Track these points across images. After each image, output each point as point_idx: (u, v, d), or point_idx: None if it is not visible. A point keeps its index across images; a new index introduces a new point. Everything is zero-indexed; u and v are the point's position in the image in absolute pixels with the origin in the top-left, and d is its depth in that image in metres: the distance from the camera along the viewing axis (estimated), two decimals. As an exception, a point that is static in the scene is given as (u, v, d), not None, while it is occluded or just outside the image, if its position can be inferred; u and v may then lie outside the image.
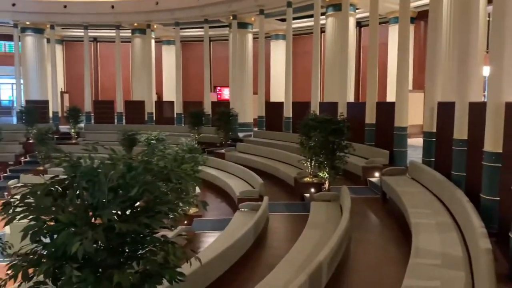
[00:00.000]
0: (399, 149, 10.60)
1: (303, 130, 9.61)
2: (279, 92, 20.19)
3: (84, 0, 20.43)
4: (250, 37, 19.31)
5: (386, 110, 11.36)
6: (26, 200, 3.03)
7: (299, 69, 19.99)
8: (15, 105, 23.44)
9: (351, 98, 15.81)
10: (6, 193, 14.39)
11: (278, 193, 10.30)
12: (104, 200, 3.01)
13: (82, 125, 19.55)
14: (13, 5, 19.96)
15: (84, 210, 3.00)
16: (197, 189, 8.13)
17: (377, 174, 9.78)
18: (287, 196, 10.17)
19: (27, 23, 20.96)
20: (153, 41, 22.02)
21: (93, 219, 3.01)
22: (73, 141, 18.27)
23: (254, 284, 4.71)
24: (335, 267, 5.19)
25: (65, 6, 20.37)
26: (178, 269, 3.05)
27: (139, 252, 3.08)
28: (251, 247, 6.46)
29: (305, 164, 9.80)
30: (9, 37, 21.93)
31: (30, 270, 2.92)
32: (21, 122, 18.37)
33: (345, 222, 5.94)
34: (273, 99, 20.52)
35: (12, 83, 24.42)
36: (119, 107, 21.09)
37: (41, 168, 15.60)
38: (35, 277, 2.95)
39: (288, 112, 16.01)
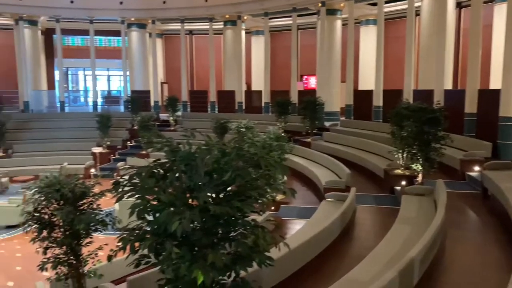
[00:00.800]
0: (504, 141, 9.59)
1: (395, 119, 9.16)
2: (368, 80, 19.44)
3: (180, -5, 21.72)
4: (338, 23, 18.81)
5: (490, 98, 10.34)
6: (133, 181, 3.39)
7: (390, 56, 18.98)
8: (122, 94, 25.90)
9: (448, 85, 14.60)
10: (115, 174, 16.10)
11: (365, 185, 10.03)
12: (200, 183, 3.22)
13: (179, 113, 20.96)
14: (121, 3, 21.93)
15: (182, 191, 3.24)
16: (284, 177, 8.27)
17: (477, 168, 8.98)
18: (375, 188, 9.85)
19: (132, 19, 22.90)
20: (243, 32, 22.61)
21: (190, 200, 3.26)
22: (172, 128, 19.69)
23: (341, 274, 4.70)
24: (427, 265, 4.94)
25: (164, 2, 21.83)
26: (267, 254, 3.18)
27: (231, 234, 3.27)
28: (337, 237, 6.43)
29: (396, 156, 9.37)
30: (117, 33, 24.24)
31: (136, 244, 3.26)
32: (127, 110, 20.26)
33: (440, 218, 5.59)
34: (361, 87, 19.81)
35: (120, 75, 27.07)
36: (212, 96, 22.14)
37: (144, 152, 17.15)
38: (140, 251, 3.29)
39: (378, 100, 15.37)
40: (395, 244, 5.50)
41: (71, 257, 5.81)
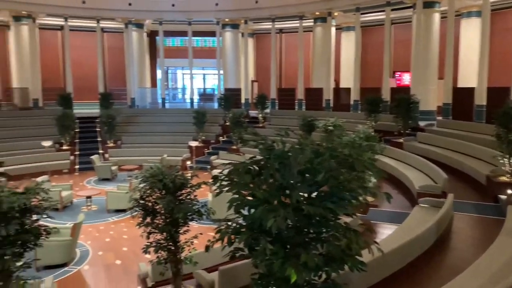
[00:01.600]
0: None
1: (501, 120, 8.38)
2: (469, 76, 17.86)
3: (271, -6, 22.11)
4: (436, 16, 17.52)
5: None
6: (231, 176, 3.59)
7: (496, 50, 17.18)
8: (216, 92, 27.24)
9: None
10: (209, 167, 17.10)
11: (464, 191, 9.31)
12: (293, 182, 3.29)
13: (268, 110, 21.44)
14: (216, 4, 23.03)
15: (276, 189, 3.34)
16: (373, 179, 8.05)
17: None
18: (475, 195, 9.10)
19: (226, 20, 23.92)
20: (333, 28, 22.28)
21: (283, 198, 3.37)
22: (260, 125, 20.25)
23: (435, 285, 4.49)
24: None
25: (256, 1, 22.42)
26: (360, 258, 3.17)
27: (323, 235, 3.33)
28: (432, 246, 6.11)
29: (501, 161, 8.56)
30: (212, 34, 25.54)
31: (232, 237, 3.48)
32: (220, 107, 21.30)
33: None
34: (461, 84, 18.26)
35: (214, 74, 28.48)
36: (300, 94, 22.22)
37: (234, 147, 17.91)
38: (235, 243, 3.50)
39: (480, 99, 14.07)
40: (499, 258, 5.07)
41: (170, 243, 6.36)
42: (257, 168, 3.46)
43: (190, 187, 6.56)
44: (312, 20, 22.54)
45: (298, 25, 22.45)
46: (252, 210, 3.35)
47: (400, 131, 14.97)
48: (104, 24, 23.82)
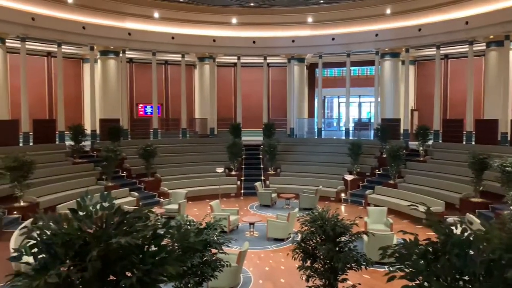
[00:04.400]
0: None
1: None
2: None
3: (436, 21, 20.87)
4: None
5: None
6: (401, 254, 3.37)
7: None
8: (372, 121, 26.90)
9: None
10: (363, 201, 17.01)
11: None
12: (475, 272, 2.95)
13: (430, 142, 20.14)
14: (376, 35, 22.97)
15: (454, 278, 3.05)
16: None
17: None
18: None
19: (386, 49, 23.59)
20: (511, 52, 19.75)
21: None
22: (421, 159, 19.11)
23: None
24: None
25: (419, 30, 21.53)
26: None
27: None
28: None
29: None
30: (369, 63, 25.48)
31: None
32: (376, 138, 20.94)
33: None
34: None
35: (370, 102, 28.20)
36: (469, 125, 20.22)
37: (391, 181, 17.41)
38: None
39: None
40: None
41: (329, 291, 6.73)
42: (431, 249, 3.26)
43: (349, 236, 6.88)
44: (485, 44, 20.43)
45: (467, 49, 20.63)
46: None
47: None
48: (270, 60, 26.19)
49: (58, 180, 16.02)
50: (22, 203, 13.58)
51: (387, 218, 13.05)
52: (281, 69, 27.79)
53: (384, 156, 19.15)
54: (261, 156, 22.21)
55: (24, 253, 3.88)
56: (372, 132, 23.00)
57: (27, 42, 19.54)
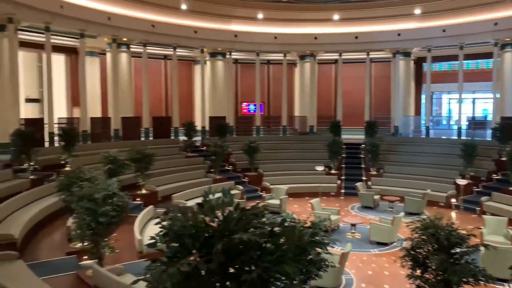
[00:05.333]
0: None
1: None
2: None
3: None
4: None
5: None
6: None
7: None
8: (488, 119, 24.35)
9: None
10: (478, 208, 15.60)
11: None
12: None
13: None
14: (495, 24, 20.69)
15: None
16: None
17: None
18: None
19: (507, 39, 21.10)
20: None
21: None
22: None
23: None
24: None
25: (553, 16, 18.83)
26: None
27: None
28: None
29: None
30: (486, 55, 23.06)
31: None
32: (494, 138, 18.95)
33: None
34: None
35: (487, 98, 25.51)
36: None
37: (511, 188, 15.66)
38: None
39: None
40: None
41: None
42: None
43: (466, 247, 6.41)
44: None
45: None
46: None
47: None
48: (372, 55, 25.29)
49: (172, 172, 17.67)
50: (143, 191, 15.29)
51: (507, 230, 11.80)
52: (385, 64, 26.58)
53: (503, 159, 17.23)
54: (362, 156, 21.64)
55: (158, 241, 4.45)
56: (489, 131, 20.81)
57: (147, 47, 21.77)
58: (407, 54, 24.75)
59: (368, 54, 24.56)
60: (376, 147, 19.90)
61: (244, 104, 28.07)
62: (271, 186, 17.98)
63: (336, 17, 24.22)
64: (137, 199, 14.86)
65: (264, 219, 4.39)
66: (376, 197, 16.99)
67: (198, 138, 22.08)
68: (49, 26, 17.17)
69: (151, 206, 13.16)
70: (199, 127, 22.38)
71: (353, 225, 13.59)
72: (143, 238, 10.18)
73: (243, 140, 20.54)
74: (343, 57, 25.13)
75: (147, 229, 11.67)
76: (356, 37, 24.00)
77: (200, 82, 24.39)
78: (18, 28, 16.69)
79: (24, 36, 18.36)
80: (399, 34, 23.30)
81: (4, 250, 8.03)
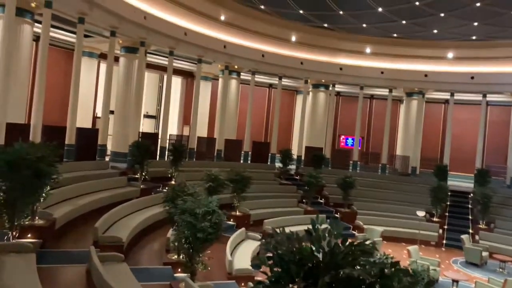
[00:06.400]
0: None
1: None
2: None
3: None
4: None
5: None
6: None
7: None
8: None
9: None
10: None
11: None
12: None
13: None
14: None
15: None
16: None
17: None
18: None
19: None
20: None
21: None
22: None
23: None
24: None
25: None
26: None
27: None
28: None
29: None
30: None
31: None
32: None
33: None
34: None
35: None
36: None
37: None
38: None
39: None
40: None
41: None
42: None
43: None
44: None
45: None
46: None
47: None
48: (489, 97, 23.26)
49: (266, 197, 17.91)
50: (238, 213, 15.72)
51: None
52: (504, 108, 24.22)
53: None
54: (470, 206, 19.66)
55: (262, 263, 4.51)
56: None
57: (255, 75, 22.88)
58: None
59: (484, 96, 22.65)
60: (488, 198, 17.94)
61: (342, 137, 27.66)
62: (365, 226, 17.19)
63: (450, 55, 22.92)
64: (230, 220, 15.29)
65: (372, 259, 4.21)
66: (485, 253, 15.20)
67: (293, 167, 22.21)
68: (173, 50, 19.05)
69: (243, 229, 13.42)
70: (295, 156, 22.54)
71: (456, 281, 12.29)
72: (233, 259, 10.33)
73: (338, 173, 20.14)
74: (455, 97, 23.51)
75: (238, 251, 11.88)
76: (472, 77, 22.35)
77: (300, 111, 24.72)
78: (147, 51, 18.82)
79: (150, 58, 20.62)
80: (523, 77, 21.17)
81: (113, 251, 8.65)
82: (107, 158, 17.38)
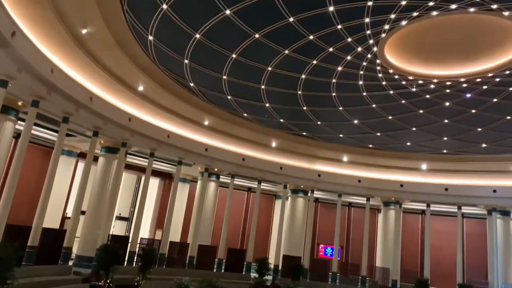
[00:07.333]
0: None
1: None
2: None
3: None
4: None
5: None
6: None
7: None
8: None
9: None
10: None
11: None
12: None
13: None
14: None
15: None
16: None
17: None
18: None
19: None
20: None
21: None
22: None
23: None
24: None
25: None
26: None
27: None
28: None
29: None
30: None
31: None
32: None
33: None
34: None
35: None
36: None
37: None
38: None
39: None
40: None
41: None
42: None
43: None
44: None
45: None
46: None
47: None
48: (465, 210, 23.61)
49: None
50: (209, 329, 14.18)
51: None
52: (479, 221, 24.48)
53: None
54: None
55: None
56: None
57: (235, 178, 22.85)
58: (505, 213, 22.68)
59: (459, 208, 23.01)
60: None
61: (321, 246, 26.90)
62: None
63: (424, 166, 23.79)
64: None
65: None
66: None
67: (269, 277, 20.90)
68: (153, 152, 19.11)
69: None
70: (272, 265, 21.37)
71: None
72: None
73: (317, 286, 19.04)
74: (431, 208, 23.78)
75: None
76: (446, 189, 22.94)
77: (279, 217, 24.26)
78: (127, 152, 18.78)
79: (129, 159, 20.50)
80: (494, 191, 21.86)
81: None
82: (70, 262, 16.08)
